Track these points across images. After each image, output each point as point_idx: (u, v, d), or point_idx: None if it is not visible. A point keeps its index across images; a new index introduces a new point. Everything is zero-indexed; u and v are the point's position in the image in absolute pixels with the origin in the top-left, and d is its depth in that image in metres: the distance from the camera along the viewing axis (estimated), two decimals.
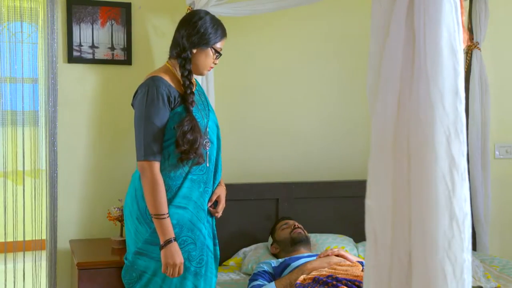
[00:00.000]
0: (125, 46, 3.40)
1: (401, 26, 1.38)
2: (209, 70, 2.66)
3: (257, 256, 3.25)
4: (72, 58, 3.31)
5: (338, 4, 3.76)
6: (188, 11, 3.27)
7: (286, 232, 3.19)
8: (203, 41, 2.55)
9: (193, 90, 2.55)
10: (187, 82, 2.53)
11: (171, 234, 2.41)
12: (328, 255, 2.90)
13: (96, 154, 3.42)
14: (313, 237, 3.38)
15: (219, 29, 2.61)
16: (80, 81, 3.37)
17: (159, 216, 2.41)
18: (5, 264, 3.49)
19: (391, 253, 1.41)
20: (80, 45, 3.33)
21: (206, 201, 2.60)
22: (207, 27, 2.57)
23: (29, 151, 3.43)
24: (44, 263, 3.47)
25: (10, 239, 3.48)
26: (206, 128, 2.60)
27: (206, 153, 2.59)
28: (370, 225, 1.44)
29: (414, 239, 1.37)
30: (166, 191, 2.46)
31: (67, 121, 3.35)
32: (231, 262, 3.31)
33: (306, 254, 3.03)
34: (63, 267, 3.39)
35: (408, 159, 1.39)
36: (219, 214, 2.66)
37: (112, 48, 3.39)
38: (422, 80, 1.35)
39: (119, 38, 3.39)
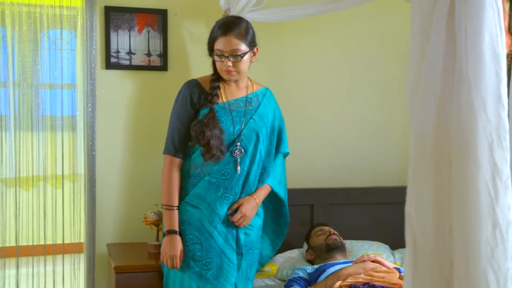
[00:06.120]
0: (161, 52, 3.43)
1: (442, 30, 1.36)
2: (228, 74, 2.61)
3: (292, 262, 3.23)
4: (109, 64, 3.36)
5: (375, 7, 3.71)
6: (223, 16, 3.29)
7: (321, 238, 3.16)
8: (209, 45, 2.62)
9: (216, 92, 2.61)
10: (210, 85, 2.63)
11: (174, 226, 2.55)
12: (364, 261, 2.87)
13: (133, 159, 3.46)
14: (349, 244, 3.35)
15: (215, 29, 2.61)
16: (118, 87, 3.41)
17: (169, 207, 2.57)
18: (44, 266, 3.55)
19: (432, 262, 1.39)
20: (118, 51, 3.38)
21: (225, 207, 2.59)
22: (212, 31, 2.62)
23: (67, 155, 3.49)
24: (82, 266, 3.51)
25: (49, 241, 3.55)
26: (239, 135, 2.60)
27: (236, 161, 2.60)
28: (410, 233, 1.42)
29: (455, 248, 1.34)
30: (183, 187, 2.60)
31: (105, 126, 3.40)
32: (266, 268, 3.29)
33: (341, 261, 3.00)
34: (100, 270, 3.42)
35: (449, 166, 1.37)
36: (237, 222, 2.62)
37: (149, 54, 3.42)
38: (464, 85, 1.33)
39: (156, 44, 3.43)
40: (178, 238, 2.56)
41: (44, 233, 3.51)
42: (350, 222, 3.56)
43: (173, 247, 2.54)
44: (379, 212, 3.61)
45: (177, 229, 2.56)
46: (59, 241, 3.50)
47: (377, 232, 3.57)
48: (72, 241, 3.57)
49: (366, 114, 3.85)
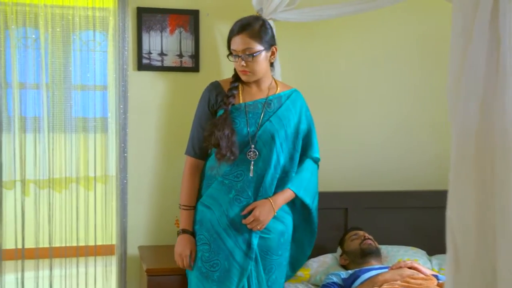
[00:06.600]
0: (193, 53, 3.42)
1: (485, 30, 1.32)
2: (244, 74, 2.58)
3: (325, 267, 3.18)
4: (141, 65, 3.36)
5: (411, 7, 3.64)
6: None
7: (355, 243, 3.10)
8: (228, 46, 2.61)
9: (233, 92, 2.59)
10: (230, 85, 2.62)
11: (187, 226, 2.60)
12: (400, 267, 2.80)
13: (165, 161, 3.45)
14: (384, 249, 3.28)
15: (231, 29, 2.60)
16: (149, 89, 3.41)
17: (184, 207, 2.63)
18: (77, 268, 3.57)
19: (474, 269, 1.34)
20: (150, 52, 3.37)
21: (236, 209, 2.55)
22: (229, 31, 2.62)
23: (99, 157, 3.50)
24: (114, 269, 3.52)
25: (82, 243, 3.56)
26: (254, 137, 2.56)
27: (250, 163, 2.55)
28: (451, 238, 1.37)
29: (499, 253, 1.29)
30: (201, 188, 2.63)
31: (136, 128, 3.40)
32: (299, 272, 3.23)
33: (377, 266, 2.93)
34: (132, 273, 3.42)
35: (492, 168, 1.33)
36: (250, 225, 2.55)
37: (181, 55, 3.41)
38: (508, 86, 1.28)
39: (187, 45, 3.42)
40: (189, 237, 2.58)
41: (77, 235, 3.53)
42: (385, 227, 3.49)
43: (183, 247, 2.57)
44: (415, 217, 3.53)
45: (190, 229, 2.60)
46: (91, 243, 3.51)
47: (414, 237, 3.49)
48: (104, 243, 3.58)
49: (402, 115, 3.78)
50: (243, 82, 2.65)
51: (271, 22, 3.25)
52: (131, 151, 3.39)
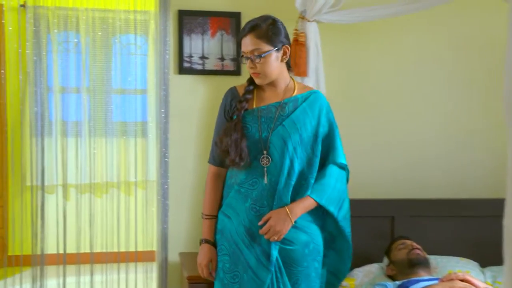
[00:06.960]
0: (235, 56, 3.37)
1: None
2: (255, 76, 2.47)
3: (371, 277, 3.06)
4: (182, 69, 3.33)
5: (456, 7, 3.50)
6: (300, 19, 3.18)
7: (403, 252, 2.97)
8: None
9: (246, 96, 2.49)
10: (244, 90, 2.53)
11: (205, 235, 2.53)
12: (452, 279, 2.66)
13: (207, 166, 3.39)
14: (433, 259, 3.13)
15: (241, 30, 2.51)
16: (191, 92, 3.38)
17: (204, 216, 2.57)
18: (118, 274, 3.56)
19: None
20: (191, 56, 3.34)
21: (252, 218, 2.44)
22: None
23: (140, 162, 3.48)
24: (154, 275, 3.49)
25: (123, 249, 3.55)
26: (266, 143, 2.45)
27: (264, 169, 2.45)
28: (509, 249, 1.27)
29: None
30: (223, 197, 2.57)
31: (177, 132, 3.37)
32: (344, 282, 3.13)
33: (426, 278, 2.80)
34: (173, 279, 3.39)
35: None
36: (266, 236, 2.41)
37: (222, 58, 3.36)
38: None
39: (229, 48, 3.37)
40: (209, 247, 2.51)
41: (118, 241, 3.52)
42: (434, 236, 3.35)
43: (202, 256, 2.51)
44: (466, 226, 3.38)
45: (209, 238, 2.53)
46: (132, 249, 3.50)
47: (465, 247, 3.33)
48: (145, 249, 3.56)
49: (453, 119, 3.64)
50: (258, 86, 2.55)
51: (314, 24, 3.18)
52: (172, 156, 3.35)
